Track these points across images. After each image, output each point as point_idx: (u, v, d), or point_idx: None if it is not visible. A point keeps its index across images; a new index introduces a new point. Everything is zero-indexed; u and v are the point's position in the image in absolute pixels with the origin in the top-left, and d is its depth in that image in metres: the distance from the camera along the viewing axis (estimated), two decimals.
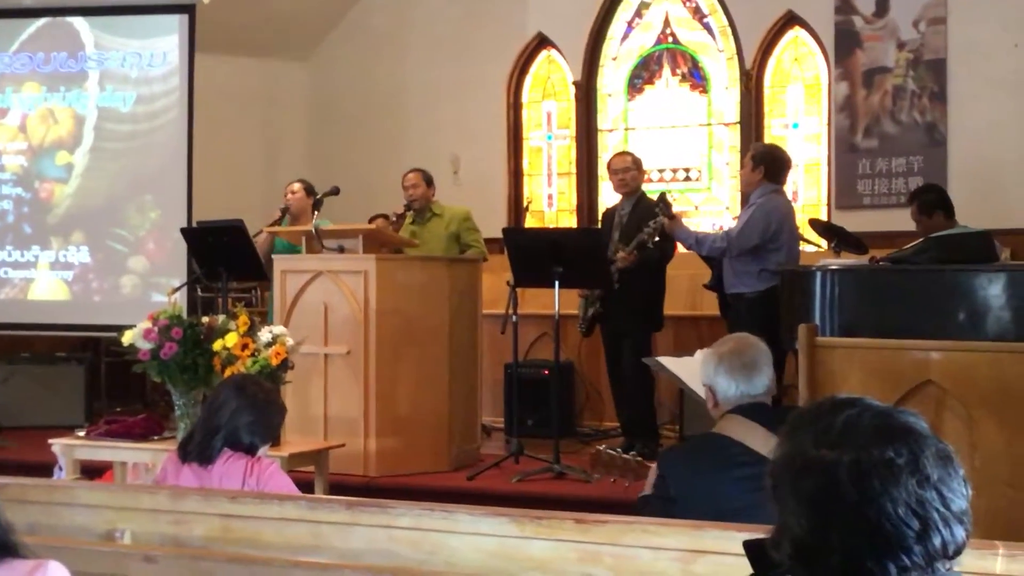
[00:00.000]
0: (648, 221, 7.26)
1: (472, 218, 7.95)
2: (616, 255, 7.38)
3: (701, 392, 4.81)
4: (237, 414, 3.91)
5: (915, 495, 1.51)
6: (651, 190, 8.41)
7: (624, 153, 8.11)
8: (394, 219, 7.96)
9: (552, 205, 10.58)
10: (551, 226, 10.27)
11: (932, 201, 6.89)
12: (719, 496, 3.31)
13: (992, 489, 4.48)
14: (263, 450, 4.00)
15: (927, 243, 5.87)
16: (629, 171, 7.67)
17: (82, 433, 6.14)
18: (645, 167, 9.50)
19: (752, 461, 3.29)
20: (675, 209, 7.27)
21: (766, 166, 7.00)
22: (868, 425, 1.55)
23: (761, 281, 6.86)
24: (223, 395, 3.99)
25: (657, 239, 7.23)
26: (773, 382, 3.60)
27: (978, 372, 4.77)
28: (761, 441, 3.31)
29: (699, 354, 4.98)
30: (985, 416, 4.66)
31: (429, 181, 8.03)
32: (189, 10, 8.91)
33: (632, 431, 7.68)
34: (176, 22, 8.97)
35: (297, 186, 8.15)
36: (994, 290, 5.50)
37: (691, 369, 4.99)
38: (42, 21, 9.17)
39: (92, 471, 6.34)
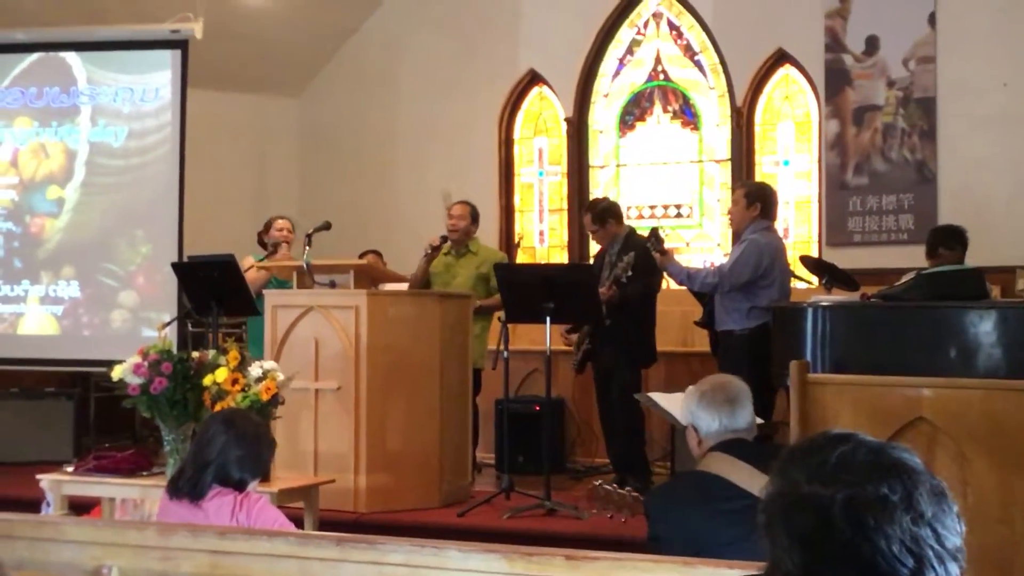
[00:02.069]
0: (623, 256, 7.30)
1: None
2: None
3: (686, 423, 4.81)
4: (226, 449, 3.89)
5: (909, 532, 1.50)
6: (643, 226, 8.42)
7: (584, 212, 8.05)
8: (429, 251, 7.86)
9: (543, 241, 10.60)
10: (542, 262, 10.27)
11: (941, 244, 6.90)
12: (702, 532, 3.29)
13: (984, 526, 4.47)
14: (253, 485, 3.98)
15: (918, 280, 5.89)
16: (596, 231, 7.76)
17: (70, 468, 6.09)
18: (636, 204, 9.59)
19: (737, 495, 3.28)
20: (666, 245, 7.27)
21: (762, 203, 7.02)
22: (862, 461, 1.54)
23: (751, 319, 6.87)
24: (212, 430, 3.97)
25: (630, 273, 7.23)
26: (754, 420, 3.59)
27: (970, 409, 4.77)
28: (747, 477, 3.31)
29: (691, 389, 4.98)
30: (977, 453, 4.66)
31: (475, 218, 8.04)
32: (182, 46, 8.93)
33: (623, 467, 7.66)
34: (169, 57, 8.98)
35: (288, 224, 8.20)
36: (985, 327, 5.52)
37: (681, 405, 4.99)
38: (35, 56, 9.18)
39: (80, 507, 6.29)
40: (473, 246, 8.02)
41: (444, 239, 7.91)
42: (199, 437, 4.04)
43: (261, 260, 7.97)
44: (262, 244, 8.30)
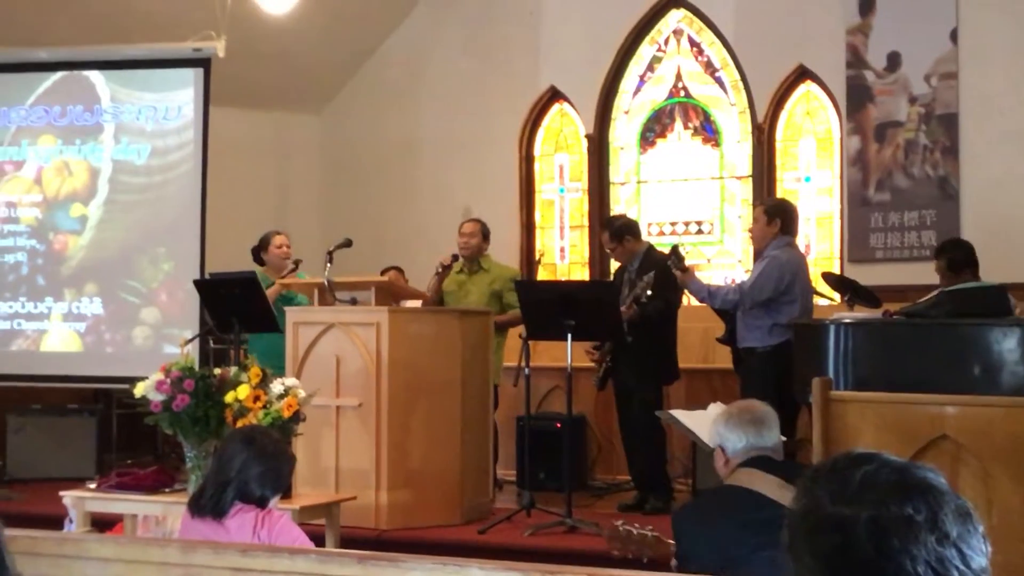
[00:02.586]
0: (643, 275, 7.29)
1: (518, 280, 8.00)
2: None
3: (713, 445, 4.79)
4: (247, 466, 3.90)
5: (934, 552, 1.49)
6: (664, 243, 8.41)
7: (602, 229, 8.07)
8: (440, 270, 7.92)
9: (564, 258, 10.59)
10: (563, 279, 10.27)
11: (962, 260, 6.83)
12: (731, 543, 3.31)
13: (1009, 545, 4.43)
14: (274, 501, 3.98)
15: (941, 297, 5.87)
16: (614, 250, 7.77)
17: (93, 485, 6.12)
18: (657, 220, 9.57)
19: (766, 504, 3.29)
20: (687, 261, 7.27)
21: (782, 219, 7.01)
22: (886, 481, 1.53)
23: (772, 336, 6.85)
24: (231, 447, 3.98)
25: (650, 292, 7.22)
26: (781, 443, 3.62)
27: (994, 427, 4.73)
28: (775, 489, 3.33)
29: (712, 407, 4.97)
30: (1001, 471, 4.62)
31: (486, 235, 8.09)
32: (204, 64, 8.97)
33: (644, 485, 7.64)
34: (191, 76, 9.03)
35: (286, 238, 8.28)
36: (1009, 344, 5.49)
37: (704, 422, 4.97)
38: (59, 75, 9.24)
39: (103, 523, 6.31)
40: (485, 263, 8.05)
41: (455, 258, 7.94)
42: (219, 454, 4.05)
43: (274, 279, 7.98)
44: (259, 261, 8.28)
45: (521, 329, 7.35)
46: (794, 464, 3.61)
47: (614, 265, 10.03)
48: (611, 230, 7.70)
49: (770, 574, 2.86)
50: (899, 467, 1.56)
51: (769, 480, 3.38)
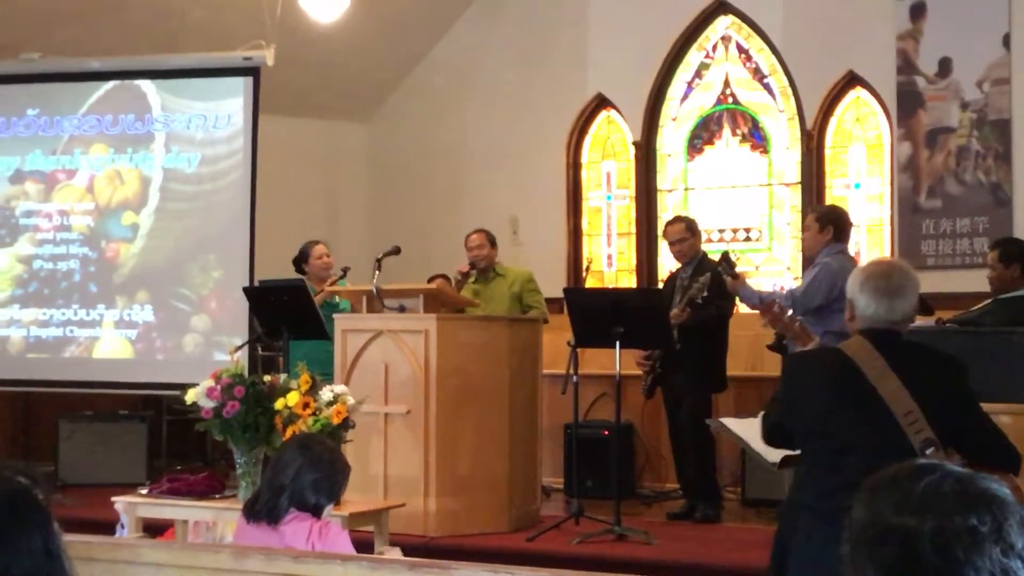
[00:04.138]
0: (698, 278, 7.24)
1: (535, 280, 8.01)
2: (671, 313, 7.35)
3: (765, 454, 4.76)
4: (302, 473, 3.92)
5: (999, 564, 1.47)
6: (712, 250, 8.38)
7: (676, 220, 7.96)
8: (459, 278, 8.04)
9: (611, 265, 10.58)
10: (611, 286, 10.25)
11: (1015, 253, 6.76)
12: (819, 403, 3.57)
13: None
14: (328, 510, 4.00)
15: (995, 305, 5.81)
16: (684, 241, 7.66)
17: (144, 491, 6.17)
18: (705, 227, 9.49)
19: (859, 379, 3.45)
20: (737, 269, 7.22)
21: (834, 226, 6.95)
22: (950, 491, 1.52)
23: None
24: (287, 454, 4.00)
25: (706, 295, 7.17)
26: (915, 309, 3.68)
27: None
28: (877, 371, 3.45)
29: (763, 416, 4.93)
30: None
31: (493, 242, 8.14)
32: (254, 73, 9.03)
33: (693, 493, 7.61)
34: (241, 84, 9.09)
35: (325, 247, 8.35)
36: None
37: (754, 431, 4.94)
38: (110, 84, 9.34)
39: (154, 529, 6.36)
40: (500, 269, 8.12)
41: (472, 267, 7.99)
42: (275, 461, 4.08)
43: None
44: (300, 271, 8.31)
45: (569, 335, 7.34)
46: (908, 347, 3.62)
47: (662, 272, 10.05)
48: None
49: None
50: (963, 478, 1.54)
51: (876, 360, 3.46)
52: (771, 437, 3.91)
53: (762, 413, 3.96)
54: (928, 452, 3.34)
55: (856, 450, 3.43)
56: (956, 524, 1.49)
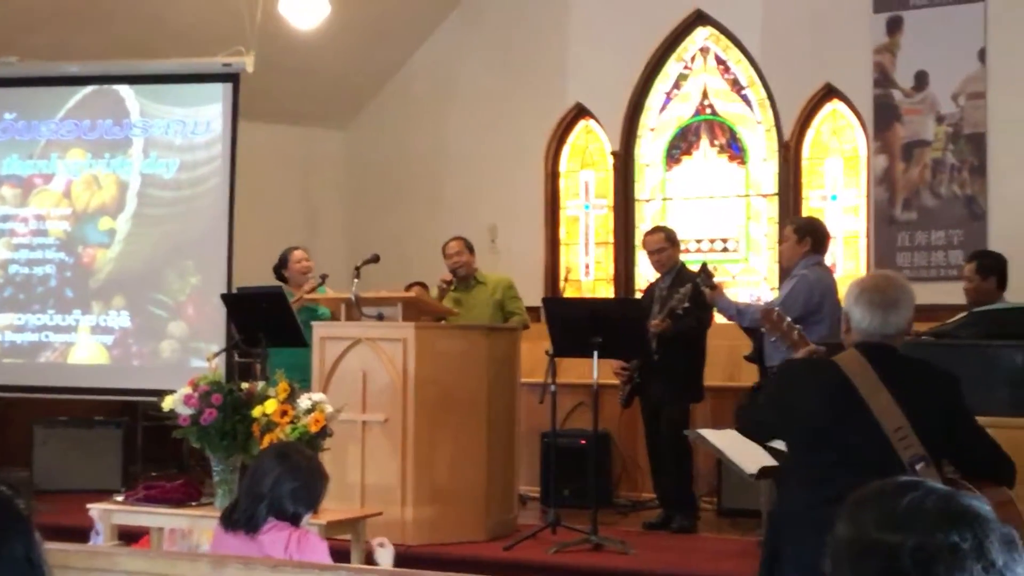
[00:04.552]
0: (678, 288, 7.28)
1: (515, 287, 8.02)
2: (651, 323, 7.38)
3: (743, 465, 4.79)
4: (280, 482, 3.91)
5: None
6: (690, 260, 8.41)
7: (656, 230, 8.08)
8: (442, 286, 8.02)
9: (589, 274, 10.59)
10: (589, 296, 10.27)
11: (991, 265, 6.84)
12: (808, 413, 3.61)
13: None
14: (307, 519, 4.00)
15: (971, 318, 5.85)
16: (664, 251, 7.71)
17: (120, 498, 6.14)
18: (682, 237, 9.51)
19: (850, 391, 3.50)
20: (716, 279, 7.25)
21: (812, 238, 6.99)
22: (932, 508, 1.53)
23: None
24: (266, 463, 3.99)
25: (687, 305, 7.21)
26: (910, 323, 3.72)
27: (1022, 449, 4.70)
28: (869, 386, 3.49)
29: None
30: None
31: (471, 249, 8.14)
32: (234, 79, 9.02)
33: (670, 503, 7.63)
34: (220, 90, 9.08)
35: (305, 253, 8.35)
36: None
37: (732, 442, 4.97)
38: (89, 89, 9.30)
39: (128, 536, 6.34)
40: (480, 276, 8.12)
41: (453, 275, 7.99)
42: (252, 470, 4.07)
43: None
44: (280, 278, 8.31)
45: (547, 345, 7.35)
46: (902, 361, 3.65)
47: (639, 282, 10.07)
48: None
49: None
50: (945, 495, 1.56)
51: (867, 373, 3.50)
52: (753, 430, 4.01)
53: (737, 405, 4.01)
54: (918, 467, 3.36)
55: (846, 464, 3.46)
56: (938, 541, 1.50)
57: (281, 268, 8.34)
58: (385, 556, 4.09)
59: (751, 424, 3.97)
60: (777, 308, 4.44)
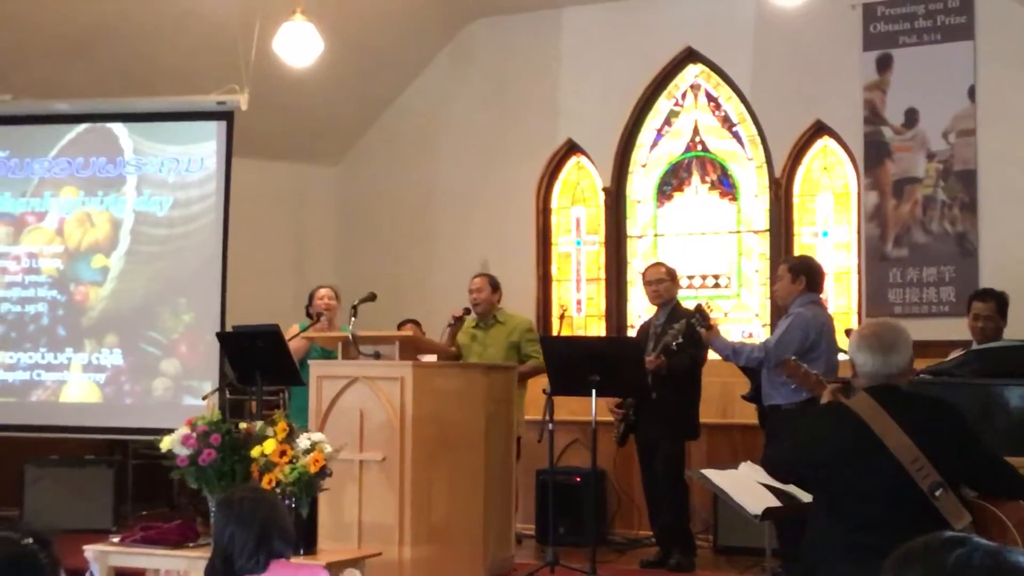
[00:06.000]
0: (673, 325, 7.29)
1: (535, 329, 8.06)
2: (646, 360, 7.38)
3: (747, 506, 4.78)
4: (234, 539, 3.61)
5: None
6: (683, 296, 8.42)
7: (658, 264, 8.16)
8: (452, 321, 8.01)
9: (581, 311, 10.60)
10: (582, 332, 10.27)
11: (1004, 303, 6.96)
12: (827, 459, 3.93)
13: None
14: (288, 554, 3.75)
15: (968, 356, 5.87)
16: (663, 282, 7.73)
17: (116, 539, 6.10)
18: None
19: (868, 437, 3.81)
20: (711, 319, 7.26)
21: (807, 276, 7.02)
22: (979, 565, 1.54)
23: (798, 393, 6.80)
24: (219, 519, 3.72)
25: (680, 341, 7.22)
26: (909, 362, 4.02)
27: None
28: (881, 425, 3.80)
29: (743, 466, 4.96)
30: None
31: (495, 286, 8.17)
32: (227, 117, 9.03)
33: (667, 540, 7.62)
34: (214, 128, 9.08)
35: (330, 292, 8.28)
36: None
37: (735, 483, 4.96)
38: (82, 127, 9.30)
39: None
40: (500, 316, 8.12)
41: (467, 311, 7.99)
42: (213, 527, 3.87)
43: (305, 329, 8.01)
44: (310, 315, 8.35)
45: (545, 383, 7.35)
46: (907, 398, 3.97)
47: (631, 318, 10.09)
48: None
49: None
50: (992, 551, 1.56)
51: (879, 414, 3.83)
52: (780, 473, 4.31)
53: (763, 455, 4.36)
54: (937, 494, 3.68)
55: (871, 498, 3.78)
56: None
57: (309, 305, 8.37)
58: None
59: (778, 468, 4.28)
60: (792, 357, 4.87)
